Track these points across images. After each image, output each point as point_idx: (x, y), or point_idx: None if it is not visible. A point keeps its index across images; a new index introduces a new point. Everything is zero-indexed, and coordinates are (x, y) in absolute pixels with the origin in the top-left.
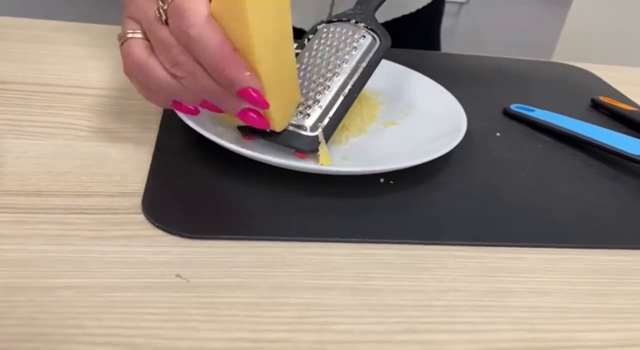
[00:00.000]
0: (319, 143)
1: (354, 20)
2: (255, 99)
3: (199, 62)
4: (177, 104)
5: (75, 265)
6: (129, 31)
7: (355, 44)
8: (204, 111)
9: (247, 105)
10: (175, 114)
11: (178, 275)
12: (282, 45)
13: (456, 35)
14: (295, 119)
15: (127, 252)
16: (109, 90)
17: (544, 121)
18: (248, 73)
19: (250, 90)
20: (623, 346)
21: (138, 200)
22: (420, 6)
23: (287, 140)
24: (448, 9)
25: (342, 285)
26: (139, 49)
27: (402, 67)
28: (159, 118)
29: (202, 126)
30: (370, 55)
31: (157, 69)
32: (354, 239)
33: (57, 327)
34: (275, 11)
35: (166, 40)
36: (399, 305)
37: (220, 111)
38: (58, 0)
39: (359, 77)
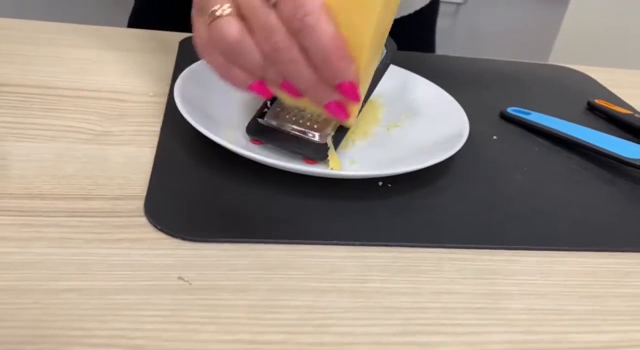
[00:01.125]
0: (328, 150)
1: None
2: (351, 93)
3: (301, 50)
4: (256, 86)
5: (79, 268)
6: (216, 7)
7: None
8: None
9: (337, 97)
10: (177, 117)
11: (180, 278)
12: (381, 42)
13: (453, 36)
14: (305, 126)
15: (130, 254)
16: (111, 93)
17: (540, 124)
18: (353, 67)
19: (350, 84)
20: (616, 347)
21: (140, 203)
22: (417, 7)
23: (296, 146)
24: (445, 9)
25: (341, 287)
26: (237, 29)
27: (400, 70)
28: (161, 121)
29: (210, 130)
30: (378, 64)
31: (253, 52)
32: (352, 242)
33: (61, 329)
34: (390, 10)
35: (273, 24)
36: (396, 308)
37: (299, 96)
38: (59, 1)
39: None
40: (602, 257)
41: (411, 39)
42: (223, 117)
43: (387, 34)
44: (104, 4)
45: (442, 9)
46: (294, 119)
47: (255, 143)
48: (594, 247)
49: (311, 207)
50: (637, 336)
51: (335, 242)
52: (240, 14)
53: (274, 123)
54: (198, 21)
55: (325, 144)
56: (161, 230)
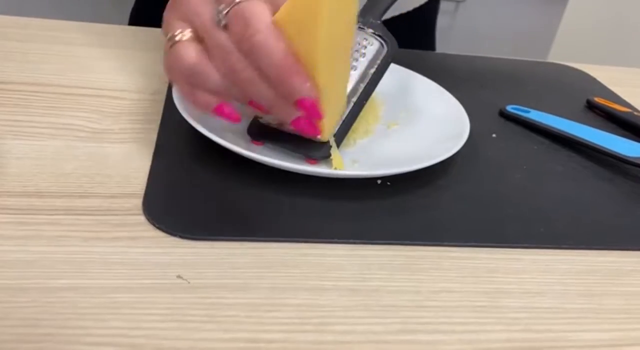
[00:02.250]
0: (330, 149)
1: (361, 27)
2: (311, 110)
3: (258, 69)
4: (220, 109)
5: (77, 266)
6: (177, 33)
7: (363, 51)
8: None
9: (300, 114)
10: (176, 115)
11: (179, 276)
12: (342, 57)
13: (452, 34)
14: None
15: (128, 253)
16: (109, 91)
17: (539, 123)
18: (308, 84)
19: (308, 101)
20: (615, 346)
21: (139, 202)
22: (417, 5)
23: (297, 146)
24: (445, 7)
25: (340, 286)
26: (193, 53)
27: (400, 68)
28: (160, 119)
29: (211, 130)
30: (378, 61)
31: (212, 74)
32: (351, 240)
33: (59, 328)
34: (342, 25)
35: (225, 46)
36: (395, 306)
37: (267, 112)
38: None
39: (367, 84)
40: (601, 256)
41: (411, 37)
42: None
43: (350, 46)
44: (104, 2)
45: (442, 6)
46: None
47: (256, 144)
48: (593, 246)
49: (310, 206)
50: (636, 334)
51: (334, 240)
52: (199, 38)
53: (274, 123)
54: (165, 48)
55: (327, 143)
56: (159, 228)
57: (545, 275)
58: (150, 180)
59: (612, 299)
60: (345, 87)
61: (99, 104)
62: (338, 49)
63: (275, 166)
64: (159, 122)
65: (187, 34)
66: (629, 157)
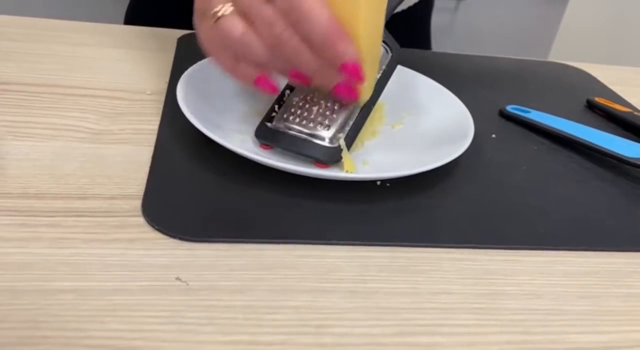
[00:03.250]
0: (340, 154)
1: None
2: (354, 73)
3: (302, 39)
4: (261, 80)
5: (76, 268)
6: (218, 8)
7: None
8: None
9: (343, 78)
10: (175, 116)
11: (178, 278)
12: (379, 19)
13: (452, 32)
14: (314, 129)
15: (127, 255)
16: (109, 91)
17: (539, 123)
18: (352, 48)
19: (352, 64)
20: (614, 348)
21: (138, 203)
22: (410, 3)
23: (307, 150)
24: (445, 5)
25: (339, 288)
26: (239, 26)
27: (399, 67)
28: (159, 119)
29: (215, 134)
30: (384, 66)
31: (258, 46)
32: (350, 242)
33: (58, 330)
34: (379, 3)
35: (271, 17)
36: (394, 308)
37: (308, 83)
38: None
39: (375, 88)
40: (601, 257)
41: (406, 36)
42: (226, 120)
43: (382, 24)
44: (100, 1)
45: (442, 5)
46: (303, 122)
47: (265, 148)
48: (593, 247)
49: (309, 207)
50: (635, 336)
51: (333, 242)
52: (241, 12)
53: (282, 126)
54: (202, 24)
55: (336, 147)
56: (159, 230)
57: (544, 276)
58: (150, 182)
59: (611, 301)
60: (379, 53)
61: (98, 105)
62: (376, 14)
63: (287, 170)
64: (158, 122)
65: (229, 8)
66: (629, 157)
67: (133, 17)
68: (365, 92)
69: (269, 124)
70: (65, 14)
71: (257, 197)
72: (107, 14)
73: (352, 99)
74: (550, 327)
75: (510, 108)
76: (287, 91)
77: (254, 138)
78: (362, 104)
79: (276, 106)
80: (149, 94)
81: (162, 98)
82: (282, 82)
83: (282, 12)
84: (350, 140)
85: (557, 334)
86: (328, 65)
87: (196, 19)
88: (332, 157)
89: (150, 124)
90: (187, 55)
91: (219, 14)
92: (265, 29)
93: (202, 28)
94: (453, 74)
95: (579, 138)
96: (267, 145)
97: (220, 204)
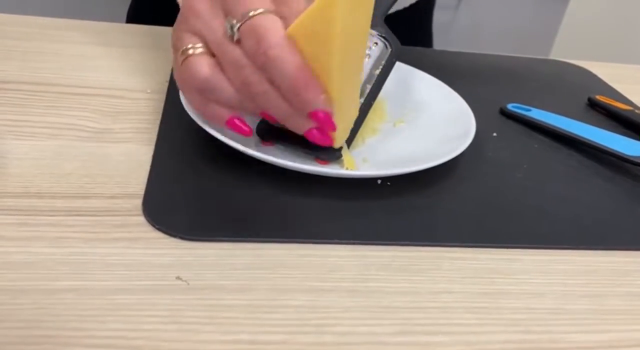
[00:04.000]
0: (341, 150)
1: None
2: (325, 122)
3: (271, 82)
4: (232, 122)
5: (77, 267)
6: (189, 46)
7: (368, 52)
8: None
9: (313, 125)
10: (176, 114)
11: (178, 278)
12: (355, 65)
13: (454, 30)
14: None
15: (128, 254)
16: (109, 90)
17: (540, 121)
18: (323, 96)
19: (322, 113)
20: (615, 347)
21: (139, 202)
22: (413, 1)
23: (308, 147)
24: (446, 3)
25: (340, 287)
26: (206, 67)
27: (400, 64)
28: (160, 118)
29: (219, 131)
30: (383, 62)
31: (225, 87)
32: (351, 241)
33: (59, 330)
34: (356, 35)
35: (239, 60)
36: (395, 307)
37: (280, 123)
38: None
39: (374, 84)
40: (601, 256)
41: (408, 33)
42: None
43: (364, 54)
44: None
45: (443, 2)
46: None
47: (266, 145)
48: (594, 246)
49: (310, 206)
50: (637, 335)
51: (334, 241)
52: (211, 52)
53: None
54: (175, 61)
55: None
56: (159, 229)
57: (545, 275)
58: (151, 181)
59: (613, 300)
60: (358, 95)
61: (98, 103)
62: (352, 58)
63: (288, 167)
64: (159, 121)
65: (199, 48)
66: (630, 156)
67: (135, 17)
68: (340, 135)
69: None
70: (67, 14)
71: (258, 196)
72: (109, 13)
73: (325, 144)
74: (551, 327)
75: (511, 106)
76: None
77: (256, 136)
78: (338, 146)
79: None
80: (149, 93)
81: (163, 97)
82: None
83: (250, 55)
84: (351, 136)
85: (557, 333)
86: (297, 111)
87: (173, 55)
88: (333, 153)
89: (150, 123)
90: None
91: (189, 52)
92: (233, 71)
93: (175, 65)
94: (454, 72)
95: (579, 136)
96: (268, 142)
97: (221, 202)
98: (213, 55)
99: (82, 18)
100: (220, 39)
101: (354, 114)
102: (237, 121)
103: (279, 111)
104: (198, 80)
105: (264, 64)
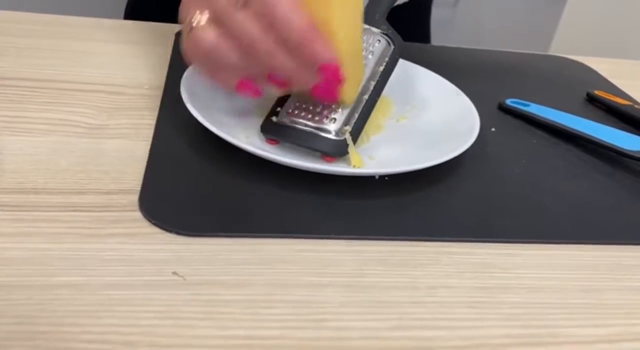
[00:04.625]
0: (347, 146)
1: (367, 25)
2: (333, 75)
3: (276, 41)
4: (242, 85)
5: (73, 263)
6: (195, 17)
7: (371, 49)
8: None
9: (321, 80)
10: (173, 111)
11: (174, 273)
12: (356, 23)
13: (453, 26)
14: (320, 123)
15: (124, 249)
16: (106, 86)
17: (539, 116)
18: (330, 49)
19: (330, 66)
20: (614, 341)
21: (135, 198)
22: None
23: (314, 143)
24: None
25: (337, 282)
26: (212, 35)
27: (402, 60)
28: (157, 114)
29: (219, 129)
30: (387, 58)
31: (231, 53)
32: (349, 236)
33: (55, 325)
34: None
35: (244, 21)
36: (392, 302)
37: (286, 86)
38: None
39: (378, 81)
40: (600, 250)
41: (406, 29)
42: (229, 116)
43: (361, 24)
44: None
45: None
46: (308, 116)
47: (271, 143)
48: (593, 240)
49: (307, 201)
50: (635, 330)
51: (332, 236)
52: (216, 21)
53: (287, 121)
54: (183, 33)
55: (343, 140)
56: (155, 224)
57: (544, 270)
58: (147, 176)
59: (611, 294)
60: (361, 52)
61: (95, 100)
62: (352, 13)
63: (294, 166)
64: (155, 117)
65: (205, 17)
66: (629, 150)
67: (132, 13)
68: (349, 92)
69: (274, 119)
70: (64, 12)
71: (254, 192)
72: (107, 10)
73: (331, 101)
74: (549, 321)
75: (509, 101)
76: None
77: (260, 133)
78: (349, 102)
79: (281, 102)
80: (146, 89)
81: (160, 93)
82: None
83: (256, 16)
84: (357, 132)
85: (556, 328)
86: (305, 67)
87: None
88: (339, 149)
89: (148, 119)
90: None
91: (194, 23)
92: (239, 34)
93: (183, 37)
94: (452, 68)
95: (578, 131)
96: (273, 140)
97: (218, 198)
98: (219, 25)
99: (80, 15)
100: (225, 6)
101: (360, 73)
102: (247, 82)
103: (285, 69)
104: (203, 48)
105: (270, 23)
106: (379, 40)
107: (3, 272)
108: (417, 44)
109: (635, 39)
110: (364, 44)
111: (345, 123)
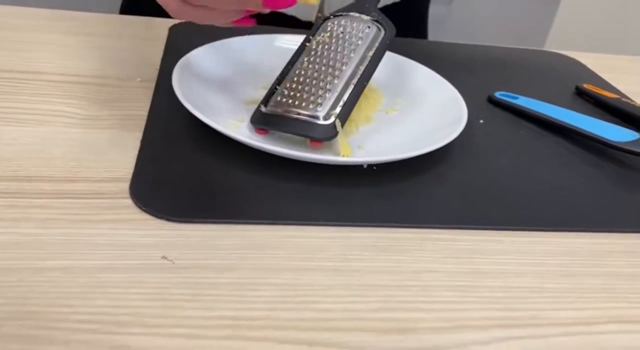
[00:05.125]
0: (336, 131)
1: (358, 13)
2: None
3: None
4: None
5: (65, 247)
6: None
7: (361, 35)
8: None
9: None
10: (166, 103)
11: (164, 257)
12: None
13: (448, 23)
14: (307, 109)
15: (115, 235)
16: (100, 79)
17: (527, 109)
18: None
19: None
20: (591, 324)
21: (126, 185)
22: None
23: (302, 130)
24: None
25: (323, 266)
26: None
27: (393, 54)
28: (148, 105)
29: (210, 118)
30: (377, 44)
31: None
32: (336, 223)
33: (46, 306)
34: None
35: None
36: (376, 285)
37: (277, 6)
38: None
39: (367, 66)
40: (582, 237)
41: (404, 26)
42: (220, 107)
43: None
44: None
45: None
46: (296, 103)
47: (260, 133)
48: (576, 228)
49: (296, 188)
50: (612, 313)
51: (319, 222)
52: None
53: (276, 111)
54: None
55: (331, 124)
56: (146, 211)
57: (525, 256)
58: (138, 165)
59: (590, 279)
60: None
61: (88, 91)
62: None
63: (284, 155)
64: (147, 109)
65: None
66: (615, 142)
67: (128, 9)
68: None
69: (263, 109)
70: (59, 6)
71: (243, 179)
72: (103, 6)
73: (289, 3)
74: (529, 304)
75: (498, 94)
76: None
77: (250, 124)
78: (315, 2)
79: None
80: (139, 82)
81: (152, 85)
82: (278, 65)
83: None
84: (345, 116)
85: (535, 311)
86: None
87: None
88: (327, 134)
89: (139, 110)
90: (178, 44)
91: None
92: None
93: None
94: (445, 62)
95: (565, 123)
96: (262, 129)
97: (207, 186)
98: None
99: (74, 9)
100: None
101: None
102: (241, 16)
103: None
104: (178, 2)
105: None
106: (369, 27)
107: None
108: (409, 39)
109: (631, 36)
110: (353, 31)
111: (333, 107)
